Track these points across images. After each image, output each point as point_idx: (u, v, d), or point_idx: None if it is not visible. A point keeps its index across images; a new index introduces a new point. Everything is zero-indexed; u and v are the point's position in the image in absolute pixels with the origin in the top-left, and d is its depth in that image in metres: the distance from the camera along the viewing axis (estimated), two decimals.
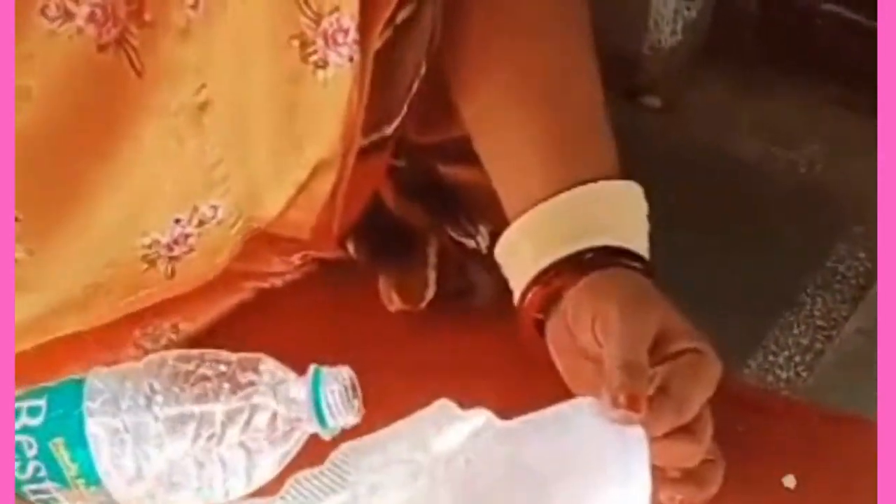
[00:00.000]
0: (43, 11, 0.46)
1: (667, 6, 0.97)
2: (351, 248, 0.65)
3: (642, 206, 0.57)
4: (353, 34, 0.55)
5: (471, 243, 0.64)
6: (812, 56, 1.00)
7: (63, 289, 0.55)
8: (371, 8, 0.56)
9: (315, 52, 0.55)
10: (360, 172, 0.61)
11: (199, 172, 0.55)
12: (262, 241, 0.63)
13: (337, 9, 0.54)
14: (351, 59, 0.56)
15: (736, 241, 0.90)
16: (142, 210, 0.54)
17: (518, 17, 0.60)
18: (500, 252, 0.58)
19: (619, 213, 0.56)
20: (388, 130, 0.61)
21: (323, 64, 0.55)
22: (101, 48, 0.48)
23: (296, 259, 0.65)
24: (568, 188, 0.55)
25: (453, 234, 0.65)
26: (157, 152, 0.52)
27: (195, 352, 0.51)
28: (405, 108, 0.60)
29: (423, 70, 0.60)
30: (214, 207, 0.56)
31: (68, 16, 0.47)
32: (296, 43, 0.54)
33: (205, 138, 0.54)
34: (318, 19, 0.54)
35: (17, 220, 0.51)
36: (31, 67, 0.47)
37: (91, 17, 0.47)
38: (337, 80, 0.56)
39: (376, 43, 0.57)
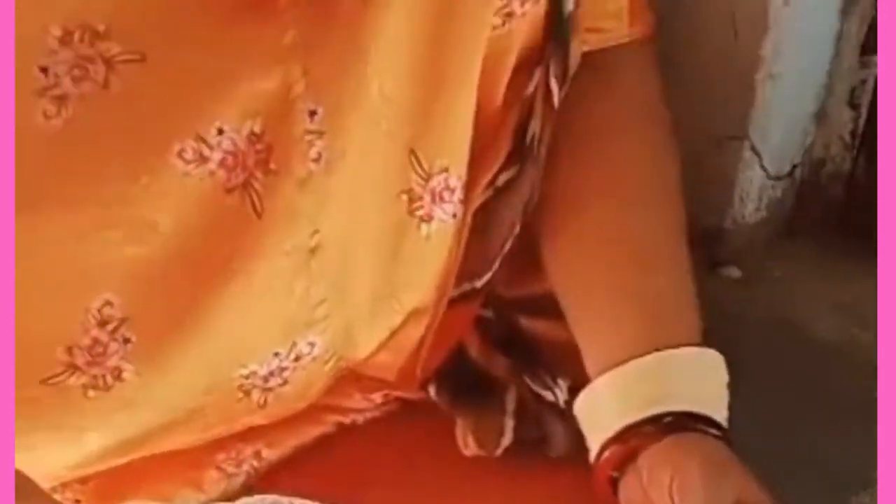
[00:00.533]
0: (180, 154, 0.49)
1: (752, 183, 0.99)
2: (432, 391, 0.66)
3: (723, 376, 0.58)
4: (458, 193, 0.58)
5: (549, 395, 0.65)
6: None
7: (163, 410, 0.57)
8: (476, 169, 0.59)
9: (421, 206, 0.58)
10: (448, 321, 0.63)
11: (302, 311, 0.57)
12: (347, 377, 0.64)
13: (446, 169, 0.57)
14: (454, 216, 0.59)
15: (812, 416, 0.89)
16: (245, 342, 0.56)
17: (613, 184, 0.62)
18: (579, 407, 0.59)
19: (701, 380, 0.57)
20: (479, 284, 0.63)
21: (428, 218, 0.58)
22: (229, 191, 0.51)
23: (377, 397, 0.66)
24: (652, 351, 0.56)
25: (532, 386, 0.66)
26: (266, 289, 0.55)
27: (285, 500, 0.54)
28: (497, 264, 0.63)
29: (517, 229, 0.62)
30: (311, 344, 0.58)
31: (202, 160, 0.50)
32: (405, 197, 0.57)
33: (312, 279, 0.56)
34: (427, 177, 0.57)
35: (129, 341, 0.53)
36: (163, 204, 0.50)
37: (222, 163, 0.50)
38: (439, 234, 0.59)
39: (476, 201, 0.60)
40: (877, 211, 1.01)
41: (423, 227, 0.58)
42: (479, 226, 0.61)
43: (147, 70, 0.47)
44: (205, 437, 0.60)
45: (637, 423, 0.55)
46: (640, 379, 0.56)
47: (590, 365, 0.59)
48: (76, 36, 0.45)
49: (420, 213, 0.58)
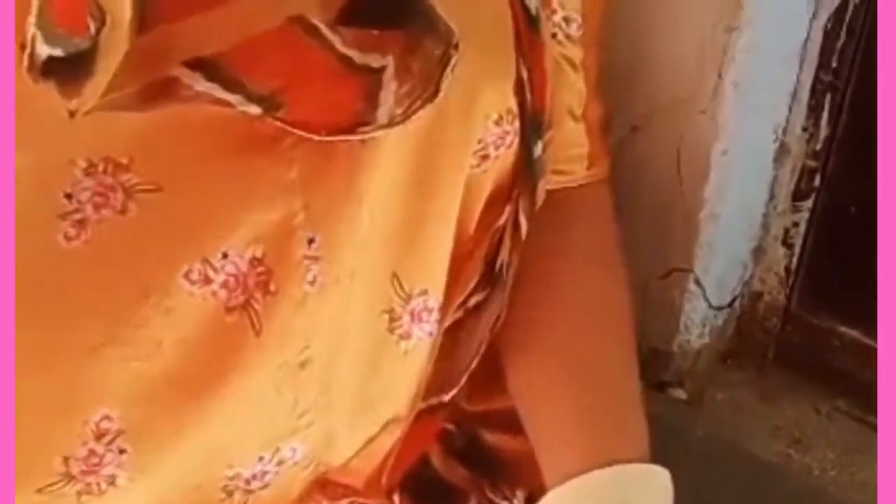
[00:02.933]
0: (187, 275, 0.51)
1: (696, 312, 1.03)
2: (396, 500, 0.67)
3: (669, 491, 0.60)
4: (436, 314, 0.61)
5: None
6: (826, 372, 1.05)
7: None
8: (450, 292, 0.62)
9: (401, 325, 0.60)
10: (415, 432, 0.65)
11: (288, 418, 0.58)
12: (317, 485, 0.65)
13: (425, 292, 0.60)
14: (431, 335, 0.61)
15: None
16: (233, 446, 0.57)
17: (571, 311, 0.66)
18: None
19: (648, 494, 0.60)
20: (446, 398, 0.65)
21: (406, 336, 0.60)
22: (229, 310, 0.52)
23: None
24: (604, 465, 0.59)
25: (491, 496, 0.68)
26: (257, 398, 0.56)
27: None
28: (464, 380, 0.65)
29: (483, 348, 0.65)
30: (294, 450, 0.60)
31: (207, 281, 0.51)
32: (386, 316, 0.59)
33: (299, 390, 0.57)
34: (408, 299, 0.59)
35: (124, 451, 0.54)
36: (168, 322, 0.51)
37: (225, 284, 0.52)
38: (416, 350, 0.61)
39: (448, 321, 0.63)
40: (809, 343, 1.06)
41: (402, 343, 0.60)
42: (450, 344, 0.63)
43: (162, 199, 0.49)
44: None
45: None
46: (589, 492, 0.59)
47: (546, 476, 0.62)
48: (100, 168, 0.49)
49: (399, 331, 0.60)
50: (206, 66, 0.46)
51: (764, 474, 0.99)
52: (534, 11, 0.59)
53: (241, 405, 0.56)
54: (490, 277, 0.63)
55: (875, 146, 0.88)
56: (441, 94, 0.51)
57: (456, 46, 0.50)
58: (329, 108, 0.50)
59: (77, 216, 0.49)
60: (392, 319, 0.60)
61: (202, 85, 0.46)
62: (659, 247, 1.01)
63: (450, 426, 0.71)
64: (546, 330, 0.66)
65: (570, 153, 0.68)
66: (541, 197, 0.64)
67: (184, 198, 0.51)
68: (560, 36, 0.64)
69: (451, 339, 0.63)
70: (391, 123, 0.51)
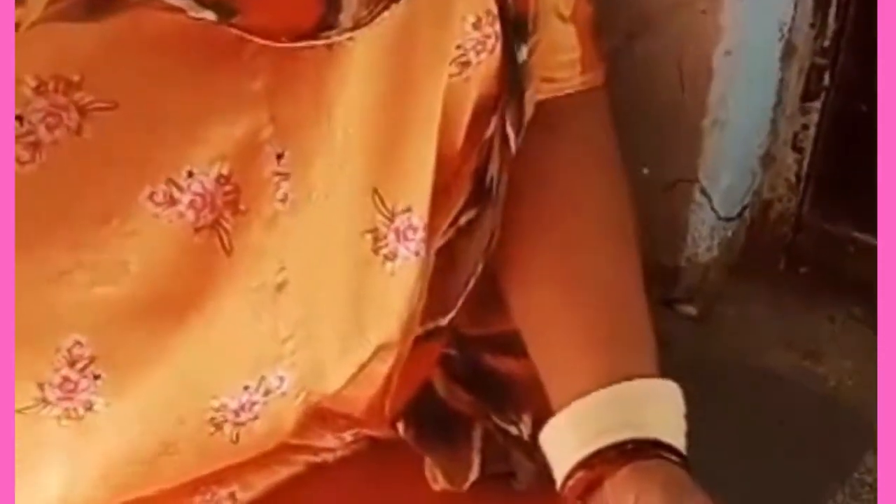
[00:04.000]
0: (151, 197, 0.50)
1: (704, 224, 1.02)
2: (401, 428, 0.67)
3: (681, 405, 0.60)
4: (421, 233, 0.60)
5: (514, 430, 0.66)
6: (841, 279, 1.04)
7: (134, 441, 0.57)
8: (438, 210, 0.61)
9: (386, 245, 0.59)
10: (414, 358, 0.65)
11: (270, 346, 0.58)
12: (316, 417, 0.65)
13: (409, 209, 0.59)
14: (417, 254, 0.60)
15: (766, 449, 0.91)
16: (214, 375, 0.57)
17: (571, 224, 0.64)
18: (544, 438, 0.60)
19: (660, 409, 0.59)
20: (444, 322, 0.64)
21: (392, 256, 0.60)
22: (197, 230, 0.52)
23: (348, 436, 0.67)
24: (612, 383, 0.58)
25: (497, 421, 0.67)
26: (234, 324, 0.56)
27: None
28: (461, 303, 0.64)
29: (479, 269, 0.63)
30: (281, 378, 0.59)
31: (172, 202, 0.51)
32: (369, 236, 0.58)
33: (279, 315, 0.57)
34: (391, 217, 0.58)
35: (99, 377, 0.53)
36: (133, 245, 0.51)
37: (191, 204, 0.51)
38: (403, 271, 0.60)
39: (439, 241, 0.62)
40: (822, 251, 1.05)
41: (388, 264, 0.60)
42: (443, 265, 0.62)
43: (119, 117, 0.48)
44: (180, 477, 0.61)
45: (600, 450, 0.56)
46: (600, 409, 0.58)
47: (553, 397, 0.61)
48: (50, 86, 0.47)
49: (384, 251, 0.59)
50: None
51: (779, 387, 0.98)
52: None
53: (218, 330, 0.55)
54: (480, 193, 0.61)
55: None
56: None
57: None
58: (289, 11, 0.48)
59: (30, 138, 0.47)
60: (376, 239, 0.58)
61: None
62: (662, 157, 0.98)
63: (451, 351, 0.69)
64: (544, 247, 0.64)
65: (561, 59, 0.65)
66: (530, 106, 0.62)
67: (141, 115, 0.49)
68: None
69: (444, 260, 0.62)
70: (357, 26, 0.49)
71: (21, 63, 0.46)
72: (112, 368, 0.54)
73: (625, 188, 0.67)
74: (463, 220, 0.61)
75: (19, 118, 0.47)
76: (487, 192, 0.61)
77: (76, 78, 0.47)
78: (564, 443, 0.59)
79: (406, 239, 0.59)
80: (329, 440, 0.67)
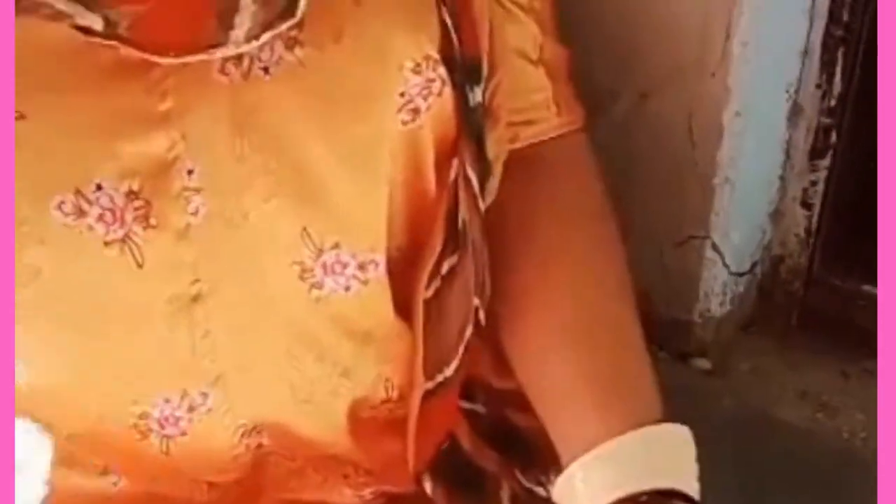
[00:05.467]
0: (59, 206, 0.51)
1: (716, 279, 1.02)
2: (428, 485, 0.66)
3: (692, 449, 0.60)
4: (352, 269, 0.59)
5: (541, 491, 0.66)
6: (853, 333, 1.04)
7: (62, 427, 0.59)
8: (418, 257, 0.61)
9: (313, 276, 0.58)
10: (429, 412, 0.64)
11: (189, 358, 0.57)
12: (335, 472, 0.65)
13: (337, 245, 0.58)
14: (347, 290, 0.59)
15: (779, 501, 0.92)
16: (132, 381, 0.58)
17: (560, 274, 0.64)
18: (558, 493, 0.60)
19: (673, 456, 0.59)
20: (450, 372, 0.64)
21: (319, 286, 0.59)
22: (107, 244, 0.53)
23: (367, 494, 0.67)
24: (622, 431, 0.58)
25: (524, 481, 0.67)
26: (148, 334, 0.56)
27: None
28: (461, 351, 0.63)
29: (472, 317, 0.63)
30: (204, 395, 0.59)
31: (81, 213, 0.52)
32: (297, 268, 0.58)
33: (195, 327, 0.57)
34: (319, 253, 0.58)
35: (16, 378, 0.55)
36: (44, 252, 0.52)
37: (100, 218, 0.52)
38: (332, 301, 0.59)
39: (425, 293, 0.61)
40: (834, 305, 1.06)
41: (314, 292, 0.59)
42: (434, 317, 0.62)
43: (28, 128, 0.50)
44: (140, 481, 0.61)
45: (614, 503, 0.56)
46: (612, 460, 0.58)
47: (562, 449, 0.61)
48: None
49: (311, 280, 0.58)
50: None
51: (793, 440, 0.98)
52: None
53: (134, 340, 0.56)
54: (455, 238, 0.61)
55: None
56: (299, 12, 0.51)
57: None
58: (177, 25, 0.49)
59: None
60: (303, 270, 0.58)
61: None
62: (674, 214, 0.99)
63: (478, 407, 0.69)
64: (537, 294, 0.64)
65: (534, 98, 0.66)
66: (495, 149, 0.62)
67: (49, 127, 0.50)
68: None
69: (434, 311, 0.62)
70: (247, 40, 0.50)
71: None
72: (32, 369, 0.56)
73: (614, 232, 0.66)
74: (445, 268, 0.61)
75: None
76: (463, 235, 0.61)
77: None
78: (578, 497, 0.59)
79: (334, 272, 0.59)
80: (348, 496, 0.67)
